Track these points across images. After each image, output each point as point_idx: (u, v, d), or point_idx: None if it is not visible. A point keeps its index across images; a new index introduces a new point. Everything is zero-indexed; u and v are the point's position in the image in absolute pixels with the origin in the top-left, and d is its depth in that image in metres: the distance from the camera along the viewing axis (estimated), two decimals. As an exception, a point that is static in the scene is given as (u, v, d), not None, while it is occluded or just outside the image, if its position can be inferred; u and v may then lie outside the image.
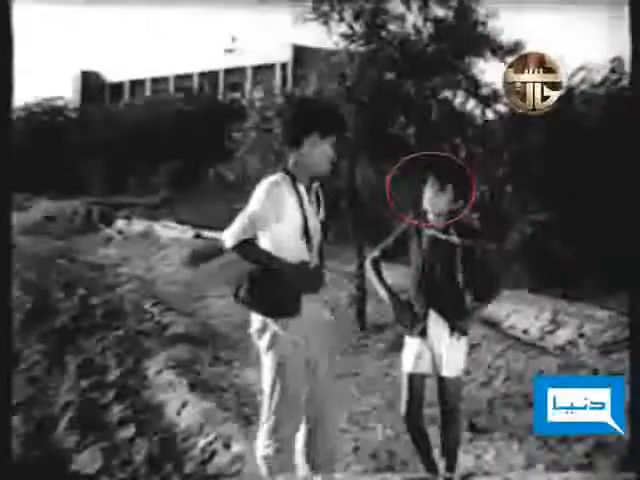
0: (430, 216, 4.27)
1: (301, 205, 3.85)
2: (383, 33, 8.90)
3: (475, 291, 4.20)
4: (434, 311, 4.22)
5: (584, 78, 11.65)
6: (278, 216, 3.80)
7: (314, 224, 3.91)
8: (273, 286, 3.81)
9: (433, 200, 4.22)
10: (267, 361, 3.89)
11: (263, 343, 3.89)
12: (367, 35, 8.90)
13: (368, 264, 4.46)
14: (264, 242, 3.89)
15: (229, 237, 3.81)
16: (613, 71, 11.52)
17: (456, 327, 4.17)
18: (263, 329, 3.88)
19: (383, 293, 4.36)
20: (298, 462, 3.96)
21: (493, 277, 4.28)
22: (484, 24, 9.01)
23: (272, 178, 3.88)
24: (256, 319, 3.91)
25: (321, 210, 4.00)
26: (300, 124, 3.95)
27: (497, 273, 4.32)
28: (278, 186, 3.83)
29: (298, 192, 3.87)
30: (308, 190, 3.94)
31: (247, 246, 3.81)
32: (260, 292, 3.82)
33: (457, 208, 4.24)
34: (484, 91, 9.30)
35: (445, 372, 4.20)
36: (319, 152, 3.90)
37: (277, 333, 3.82)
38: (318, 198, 4.01)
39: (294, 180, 3.88)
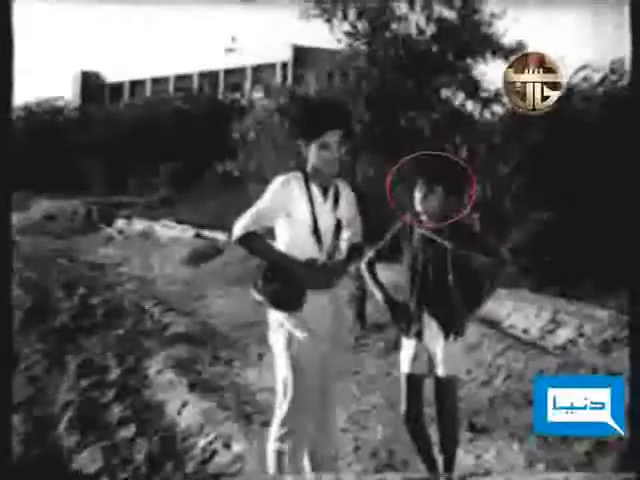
0: (423, 217, 4.26)
1: (311, 203, 3.88)
2: (386, 32, 8.91)
3: (463, 296, 4.19)
4: (427, 312, 4.22)
5: (586, 77, 11.65)
6: (286, 213, 3.86)
7: (327, 222, 3.93)
8: (278, 280, 3.85)
9: (423, 202, 4.22)
10: (279, 355, 3.91)
11: (275, 336, 3.92)
12: (370, 34, 8.91)
13: (363, 266, 4.45)
14: (278, 238, 3.94)
15: (236, 230, 3.87)
16: (613, 72, 11.52)
17: (451, 329, 4.17)
18: (275, 322, 3.91)
19: (379, 295, 4.35)
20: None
21: (482, 284, 4.26)
22: (489, 24, 9.01)
23: (284, 176, 3.94)
24: (271, 312, 3.95)
25: (340, 208, 4.02)
26: (296, 125, 4.04)
27: (487, 281, 4.29)
28: (288, 183, 3.89)
29: (310, 190, 3.89)
30: (326, 188, 3.96)
31: (253, 239, 3.86)
32: (267, 285, 3.86)
33: (450, 207, 4.24)
34: (484, 92, 9.30)
35: (441, 372, 4.20)
36: (320, 153, 3.91)
37: (286, 327, 3.86)
38: (337, 196, 4.01)
39: (307, 178, 3.91)
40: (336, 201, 4.01)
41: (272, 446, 3.88)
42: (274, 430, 3.89)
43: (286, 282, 3.83)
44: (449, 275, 4.18)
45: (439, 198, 4.20)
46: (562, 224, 10.54)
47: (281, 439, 3.85)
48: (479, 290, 4.26)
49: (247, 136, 9.66)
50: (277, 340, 3.93)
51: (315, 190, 3.93)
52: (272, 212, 3.86)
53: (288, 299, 3.84)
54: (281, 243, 3.94)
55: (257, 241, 3.87)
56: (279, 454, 3.85)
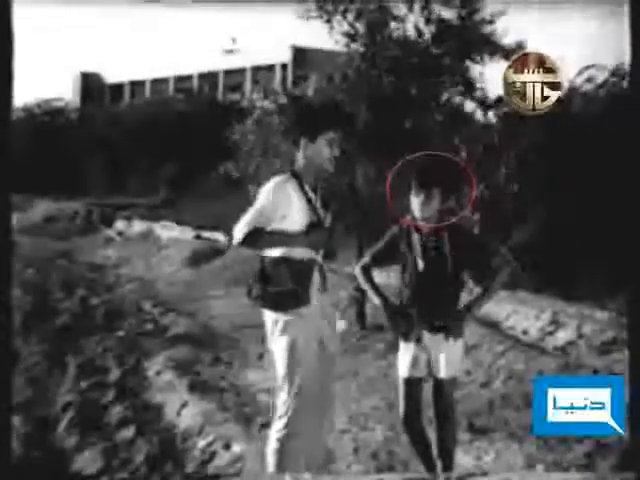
0: (421, 222, 4.21)
1: (309, 205, 3.90)
2: (385, 33, 8.92)
3: (475, 280, 4.17)
4: (428, 315, 4.19)
5: (590, 77, 11.65)
6: (284, 214, 3.85)
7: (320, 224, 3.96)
8: (277, 281, 3.86)
9: (421, 208, 4.15)
10: (281, 358, 3.91)
11: (275, 339, 3.92)
12: (368, 35, 8.92)
13: (358, 271, 4.37)
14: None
15: (237, 232, 3.83)
16: (614, 74, 11.52)
17: (450, 331, 4.15)
18: (274, 325, 3.91)
19: (377, 300, 4.30)
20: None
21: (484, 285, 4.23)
22: (491, 22, 9.02)
23: (278, 178, 3.94)
24: (269, 316, 3.94)
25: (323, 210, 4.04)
26: (293, 126, 4.03)
27: (489, 281, 4.25)
28: (284, 185, 3.89)
29: (305, 192, 3.91)
30: (315, 191, 3.97)
31: (255, 235, 3.81)
32: (269, 289, 3.87)
33: (449, 209, 4.21)
34: (483, 93, 9.31)
35: (442, 374, 4.17)
36: (316, 152, 3.93)
37: (285, 328, 3.86)
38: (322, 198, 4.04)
39: (300, 181, 3.92)
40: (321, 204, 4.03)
41: (273, 445, 3.89)
42: (275, 430, 3.90)
43: (289, 280, 3.84)
44: (447, 277, 4.17)
45: (437, 203, 4.15)
46: (562, 225, 10.54)
47: (283, 439, 3.85)
48: (481, 291, 4.24)
49: (246, 138, 9.67)
50: (278, 343, 3.92)
51: (309, 192, 3.95)
52: (270, 213, 3.83)
53: (295, 297, 3.85)
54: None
55: (259, 235, 3.81)
56: (280, 454, 3.86)
